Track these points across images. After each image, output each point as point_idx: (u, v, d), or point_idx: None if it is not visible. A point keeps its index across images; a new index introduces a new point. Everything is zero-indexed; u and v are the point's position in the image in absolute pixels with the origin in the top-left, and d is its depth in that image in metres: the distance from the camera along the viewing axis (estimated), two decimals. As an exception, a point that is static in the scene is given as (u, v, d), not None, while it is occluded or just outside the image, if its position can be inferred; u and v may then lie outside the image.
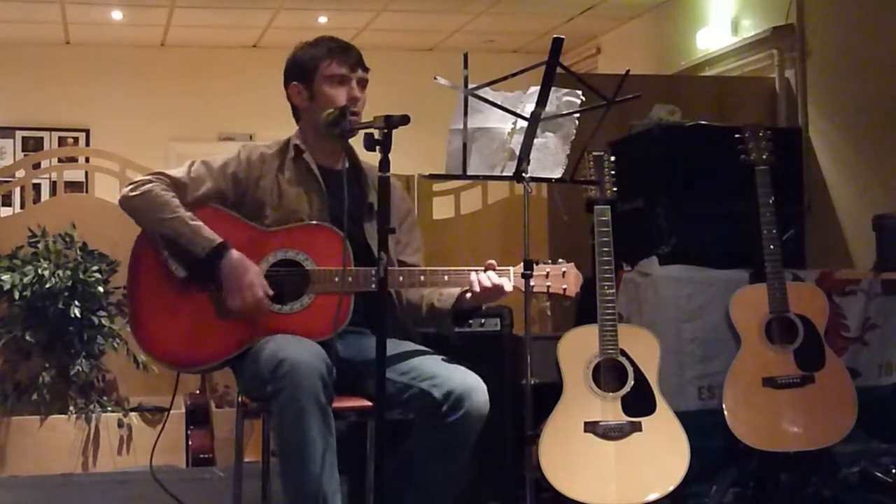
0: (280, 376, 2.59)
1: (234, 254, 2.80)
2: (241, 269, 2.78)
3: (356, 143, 2.89)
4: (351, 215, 2.84)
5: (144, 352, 2.90)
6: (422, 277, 2.85)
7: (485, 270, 2.83)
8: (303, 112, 3.03)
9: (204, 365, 2.92)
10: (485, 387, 2.77)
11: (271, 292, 2.80)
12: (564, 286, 2.91)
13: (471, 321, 3.77)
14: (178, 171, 2.94)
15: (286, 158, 2.99)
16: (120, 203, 2.92)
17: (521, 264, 2.86)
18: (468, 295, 2.85)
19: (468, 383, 2.75)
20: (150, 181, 2.89)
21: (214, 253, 2.79)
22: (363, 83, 3.00)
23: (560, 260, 2.95)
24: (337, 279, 2.80)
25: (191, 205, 2.88)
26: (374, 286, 2.74)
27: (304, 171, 2.98)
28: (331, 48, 2.98)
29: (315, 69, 2.96)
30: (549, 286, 2.90)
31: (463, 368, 2.81)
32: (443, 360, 2.84)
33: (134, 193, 2.88)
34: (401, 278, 2.84)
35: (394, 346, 2.81)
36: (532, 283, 2.87)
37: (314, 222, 2.90)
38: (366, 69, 3.01)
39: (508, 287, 2.84)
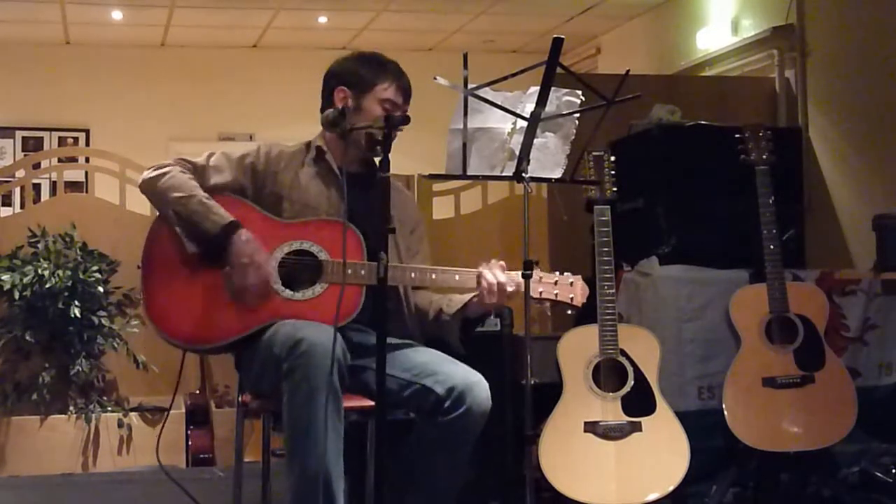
0: (297, 355, 2.63)
1: (245, 233, 2.84)
2: (251, 248, 2.82)
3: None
4: (366, 218, 2.85)
5: (155, 328, 2.90)
6: (433, 276, 2.88)
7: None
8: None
9: (214, 343, 2.92)
10: (486, 383, 2.80)
11: (277, 280, 2.83)
12: (571, 295, 2.94)
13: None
14: (198, 158, 3.01)
15: (307, 157, 3.04)
16: (140, 186, 2.99)
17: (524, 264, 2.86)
18: (475, 297, 2.87)
19: (470, 379, 2.77)
20: (171, 164, 2.97)
21: (226, 230, 2.83)
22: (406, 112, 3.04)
23: (566, 273, 2.98)
24: (349, 271, 2.83)
25: (209, 191, 2.93)
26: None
27: (325, 170, 3.03)
28: (395, 73, 3.03)
29: (373, 85, 3.00)
30: (556, 294, 2.93)
31: (464, 365, 2.83)
32: (443, 357, 2.85)
33: (154, 175, 2.94)
34: (412, 275, 2.88)
35: (396, 344, 2.85)
36: (541, 290, 2.91)
37: (330, 218, 2.93)
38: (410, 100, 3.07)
39: (511, 287, 2.83)
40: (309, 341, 2.64)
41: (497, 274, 2.84)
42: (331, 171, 3.02)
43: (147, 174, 2.97)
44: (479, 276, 2.84)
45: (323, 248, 2.88)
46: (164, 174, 2.93)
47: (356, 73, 3.04)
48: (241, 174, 2.99)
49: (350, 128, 2.84)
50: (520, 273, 2.87)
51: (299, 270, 2.88)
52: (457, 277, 2.87)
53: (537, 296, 2.90)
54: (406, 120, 2.57)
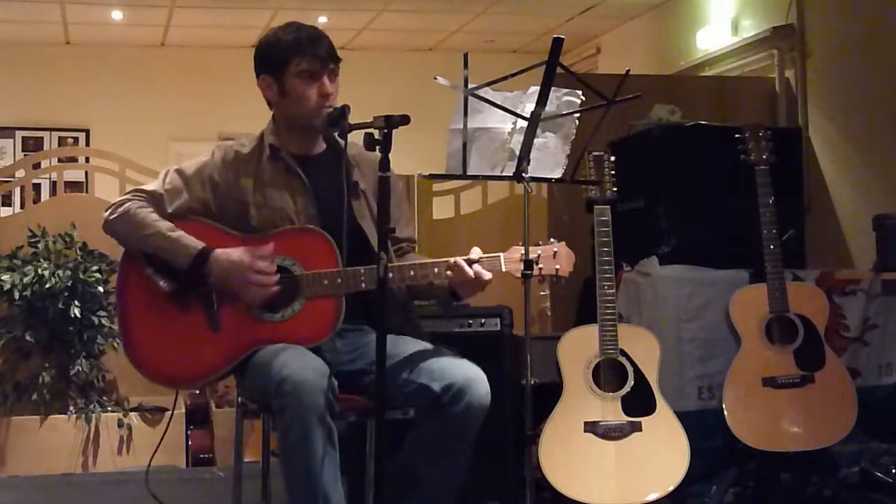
0: (283, 394, 2.57)
1: (218, 253, 2.77)
2: (232, 260, 2.76)
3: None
4: (337, 199, 2.80)
5: (141, 374, 2.85)
6: (412, 272, 2.81)
7: (470, 264, 2.77)
8: (275, 106, 2.99)
9: (202, 381, 2.93)
10: (485, 378, 2.76)
11: (275, 269, 2.78)
12: (557, 266, 2.84)
13: (471, 321, 3.79)
14: (153, 185, 2.92)
15: (263, 157, 2.94)
16: (103, 228, 2.91)
17: (510, 249, 2.82)
18: (449, 273, 2.78)
19: (468, 375, 2.74)
20: (126, 200, 2.88)
21: (197, 260, 2.77)
22: (335, 74, 2.93)
23: (552, 239, 2.88)
24: (326, 282, 2.78)
25: (170, 217, 2.86)
26: (363, 286, 2.75)
27: (283, 170, 2.93)
28: (300, 40, 2.90)
29: (285, 64, 2.90)
30: (541, 269, 2.84)
31: (463, 360, 2.79)
32: (443, 353, 2.81)
33: (113, 216, 2.87)
34: (390, 275, 2.75)
35: (394, 342, 2.79)
36: (524, 270, 2.83)
37: (301, 226, 2.87)
38: (337, 60, 2.93)
39: (487, 276, 2.76)
40: (294, 381, 2.56)
41: (476, 269, 2.75)
42: (290, 170, 2.93)
43: (106, 215, 2.88)
44: (454, 263, 2.76)
45: (296, 261, 2.81)
46: (124, 213, 2.85)
47: (269, 57, 2.94)
48: (201, 189, 2.90)
49: (351, 128, 2.80)
50: (502, 255, 2.80)
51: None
52: (436, 270, 2.80)
53: (519, 276, 2.82)
54: (406, 120, 2.54)
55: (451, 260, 2.78)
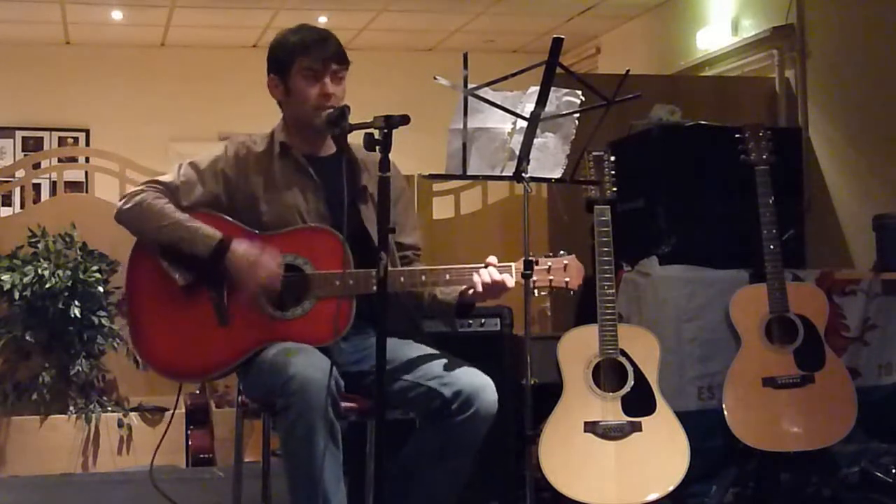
0: (289, 393, 2.57)
1: (238, 245, 2.79)
2: (252, 252, 2.77)
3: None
4: (343, 202, 2.81)
5: (148, 365, 2.87)
6: (423, 277, 2.81)
7: (485, 268, 2.80)
8: (282, 105, 3.01)
9: (208, 375, 2.91)
10: (493, 386, 2.76)
11: (280, 271, 2.78)
12: (567, 279, 2.86)
13: (471, 321, 3.79)
14: (168, 177, 2.94)
15: (273, 155, 2.96)
16: (116, 218, 2.92)
17: (520, 261, 2.83)
18: (471, 292, 2.81)
19: (477, 383, 2.74)
20: (141, 191, 2.90)
21: (218, 250, 2.78)
22: (339, 76, 2.94)
23: (561, 252, 2.90)
24: (337, 283, 2.78)
25: (186, 209, 2.87)
26: (374, 288, 2.73)
27: (294, 167, 2.94)
28: (306, 40, 2.93)
29: (290, 63, 2.92)
30: (551, 280, 2.85)
31: (471, 367, 2.79)
32: (450, 359, 2.82)
33: (128, 206, 2.88)
34: (402, 279, 2.79)
35: (400, 346, 2.82)
36: (535, 279, 2.84)
37: (312, 225, 2.88)
38: (343, 62, 2.94)
39: (511, 283, 2.80)
40: (300, 379, 2.57)
41: (492, 272, 2.78)
42: (300, 167, 2.94)
43: (120, 205, 2.90)
44: (473, 282, 2.78)
45: (308, 259, 2.81)
46: (139, 203, 2.86)
47: (277, 58, 2.97)
48: (214, 183, 2.90)
49: (351, 128, 2.79)
50: (513, 265, 2.81)
51: (286, 287, 2.81)
52: (447, 277, 2.81)
53: (531, 286, 2.84)
54: (406, 120, 2.54)
55: (489, 259, 2.80)
